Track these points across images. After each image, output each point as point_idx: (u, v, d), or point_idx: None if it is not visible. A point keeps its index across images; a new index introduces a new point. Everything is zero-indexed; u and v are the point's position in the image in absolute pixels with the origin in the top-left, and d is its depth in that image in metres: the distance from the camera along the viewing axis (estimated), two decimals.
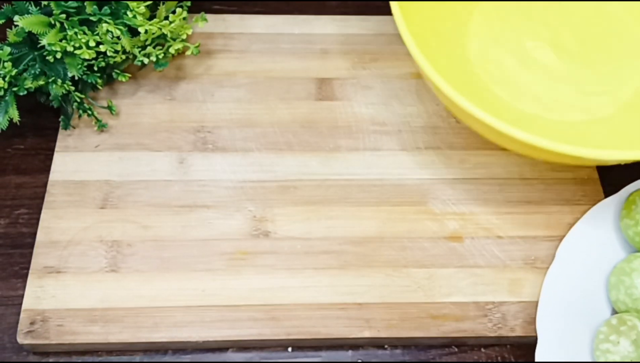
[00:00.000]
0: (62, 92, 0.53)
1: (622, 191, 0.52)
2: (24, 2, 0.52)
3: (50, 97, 0.54)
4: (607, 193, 0.54)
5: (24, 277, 0.49)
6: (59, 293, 0.48)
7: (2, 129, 0.52)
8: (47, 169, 0.54)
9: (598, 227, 0.51)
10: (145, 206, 0.52)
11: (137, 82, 0.58)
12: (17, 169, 0.55)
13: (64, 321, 0.47)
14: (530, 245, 0.52)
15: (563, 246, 0.50)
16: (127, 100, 0.57)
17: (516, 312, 0.49)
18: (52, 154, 0.54)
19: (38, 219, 0.51)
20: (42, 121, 0.56)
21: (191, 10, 0.59)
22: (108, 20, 0.52)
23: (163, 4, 0.56)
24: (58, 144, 0.55)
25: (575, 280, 0.49)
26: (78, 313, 0.48)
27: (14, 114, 0.52)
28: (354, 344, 0.49)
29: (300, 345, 0.49)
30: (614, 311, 0.48)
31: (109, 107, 0.56)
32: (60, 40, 0.51)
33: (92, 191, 0.53)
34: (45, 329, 0.47)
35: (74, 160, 0.54)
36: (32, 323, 0.47)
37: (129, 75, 0.56)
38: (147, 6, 0.54)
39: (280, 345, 0.48)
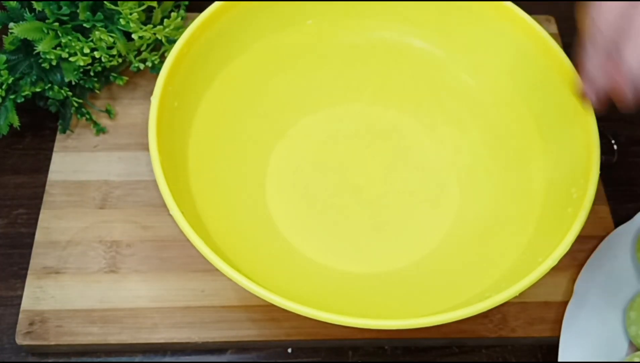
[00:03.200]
0: (60, 98, 0.53)
1: (635, 218, 0.52)
2: (19, 8, 0.52)
3: (48, 103, 0.53)
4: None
5: (23, 278, 0.49)
6: (58, 293, 0.48)
7: (2, 135, 0.52)
8: (45, 169, 0.53)
9: (614, 257, 0.50)
10: (144, 206, 0.52)
11: (135, 82, 0.58)
12: (16, 169, 0.54)
13: (63, 322, 0.47)
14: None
15: (581, 279, 0.49)
16: (125, 100, 0.57)
17: (517, 313, 0.49)
18: (51, 154, 0.54)
19: (37, 219, 0.51)
20: (41, 121, 0.56)
21: (191, 9, 0.59)
22: (101, 28, 0.52)
23: (159, 5, 0.55)
24: (57, 144, 0.55)
25: (594, 313, 0.48)
26: (77, 314, 0.47)
27: (14, 120, 0.52)
28: (354, 345, 0.49)
29: (300, 346, 0.48)
30: (632, 345, 0.48)
31: (108, 111, 0.56)
32: (55, 48, 0.51)
33: (91, 191, 0.53)
34: (44, 330, 0.47)
35: (73, 160, 0.54)
36: (31, 324, 0.47)
37: (126, 78, 0.56)
38: (143, 10, 0.53)
39: (280, 346, 0.48)
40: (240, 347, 0.48)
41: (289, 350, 0.48)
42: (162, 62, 0.56)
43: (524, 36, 0.50)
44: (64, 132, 0.55)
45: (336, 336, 0.48)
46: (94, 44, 0.52)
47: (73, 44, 0.51)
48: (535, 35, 0.49)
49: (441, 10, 0.53)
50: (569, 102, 0.47)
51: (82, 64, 0.52)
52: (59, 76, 0.53)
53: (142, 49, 0.55)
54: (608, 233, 0.51)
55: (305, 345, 0.48)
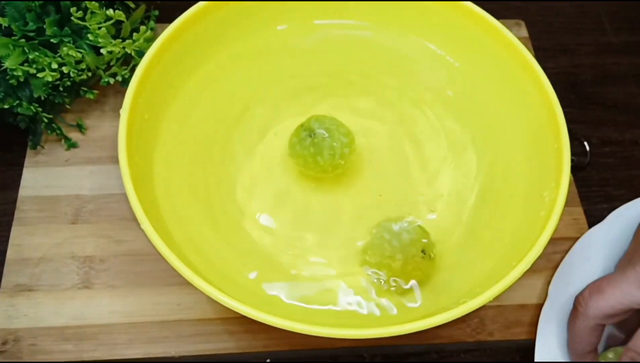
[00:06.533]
0: (30, 114, 0.52)
1: (608, 218, 0.52)
2: None
3: (18, 119, 0.53)
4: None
5: None
6: (31, 311, 0.47)
7: None
8: (16, 186, 0.53)
9: (587, 259, 0.50)
10: (118, 220, 0.52)
11: (106, 95, 0.58)
12: None
13: (37, 340, 0.46)
14: None
15: (555, 281, 0.49)
16: (97, 113, 0.57)
17: (494, 317, 0.49)
18: (22, 170, 0.53)
19: (8, 236, 0.50)
20: (11, 136, 0.55)
21: (161, 19, 0.58)
22: (68, 44, 0.51)
23: (128, 18, 0.55)
24: (27, 159, 0.54)
25: (567, 315, 0.48)
26: (51, 332, 0.47)
27: None
28: (333, 354, 0.48)
29: (278, 357, 0.48)
30: (607, 344, 0.48)
31: (79, 126, 0.55)
32: (22, 64, 0.50)
33: (63, 206, 0.52)
34: (18, 349, 0.46)
35: (44, 175, 0.53)
36: (4, 343, 0.46)
37: (97, 92, 0.55)
38: (112, 24, 0.53)
39: (258, 358, 0.48)
40: (217, 360, 0.48)
41: (267, 361, 0.48)
42: (132, 75, 0.55)
43: (485, 35, 0.51)
44: (35, 148, 0.54)
45: (314, 346, 0.47)
46: (62, 59, 0.51)
47: (41, 59, 0.51)
48: (498, 35, 0.50)
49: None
50: (538, 105, 0.48)
51: (50, 79, 0.51)
52: (27, 91, 0.52)
53: (112, 63, 0.55)
54: (582, 234, 0.52)
55: (283, 356, 0.48)
